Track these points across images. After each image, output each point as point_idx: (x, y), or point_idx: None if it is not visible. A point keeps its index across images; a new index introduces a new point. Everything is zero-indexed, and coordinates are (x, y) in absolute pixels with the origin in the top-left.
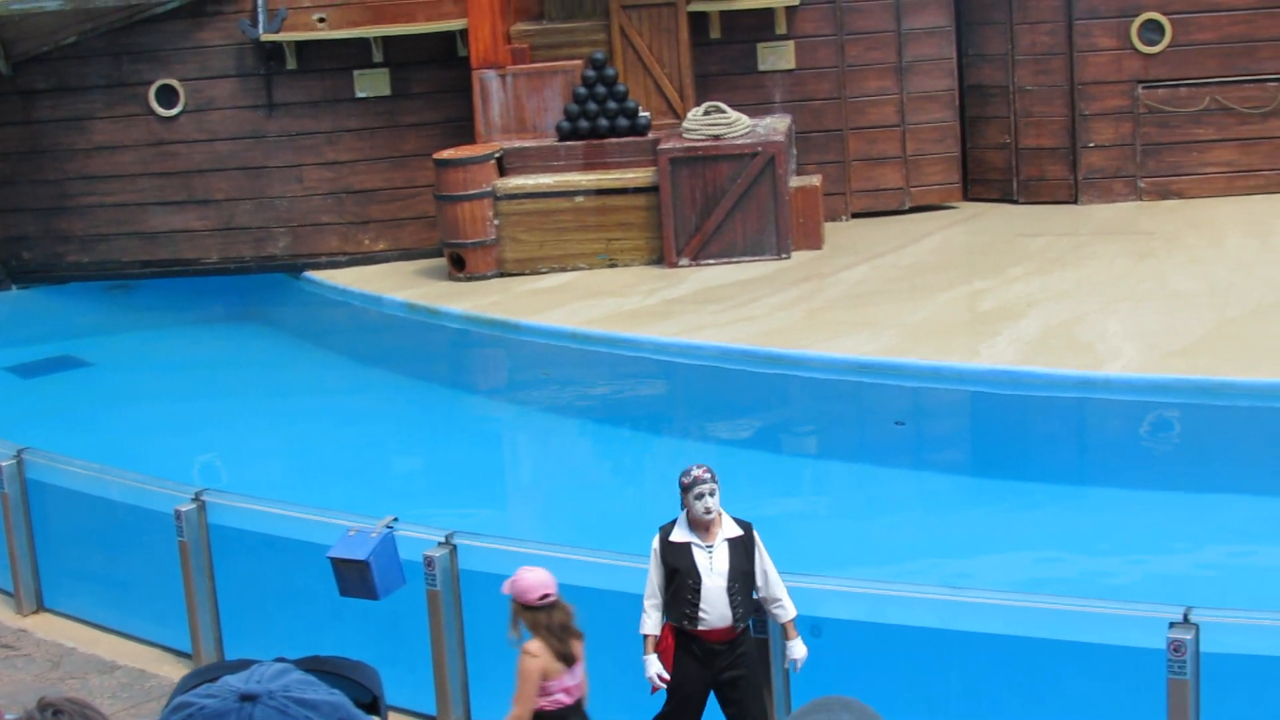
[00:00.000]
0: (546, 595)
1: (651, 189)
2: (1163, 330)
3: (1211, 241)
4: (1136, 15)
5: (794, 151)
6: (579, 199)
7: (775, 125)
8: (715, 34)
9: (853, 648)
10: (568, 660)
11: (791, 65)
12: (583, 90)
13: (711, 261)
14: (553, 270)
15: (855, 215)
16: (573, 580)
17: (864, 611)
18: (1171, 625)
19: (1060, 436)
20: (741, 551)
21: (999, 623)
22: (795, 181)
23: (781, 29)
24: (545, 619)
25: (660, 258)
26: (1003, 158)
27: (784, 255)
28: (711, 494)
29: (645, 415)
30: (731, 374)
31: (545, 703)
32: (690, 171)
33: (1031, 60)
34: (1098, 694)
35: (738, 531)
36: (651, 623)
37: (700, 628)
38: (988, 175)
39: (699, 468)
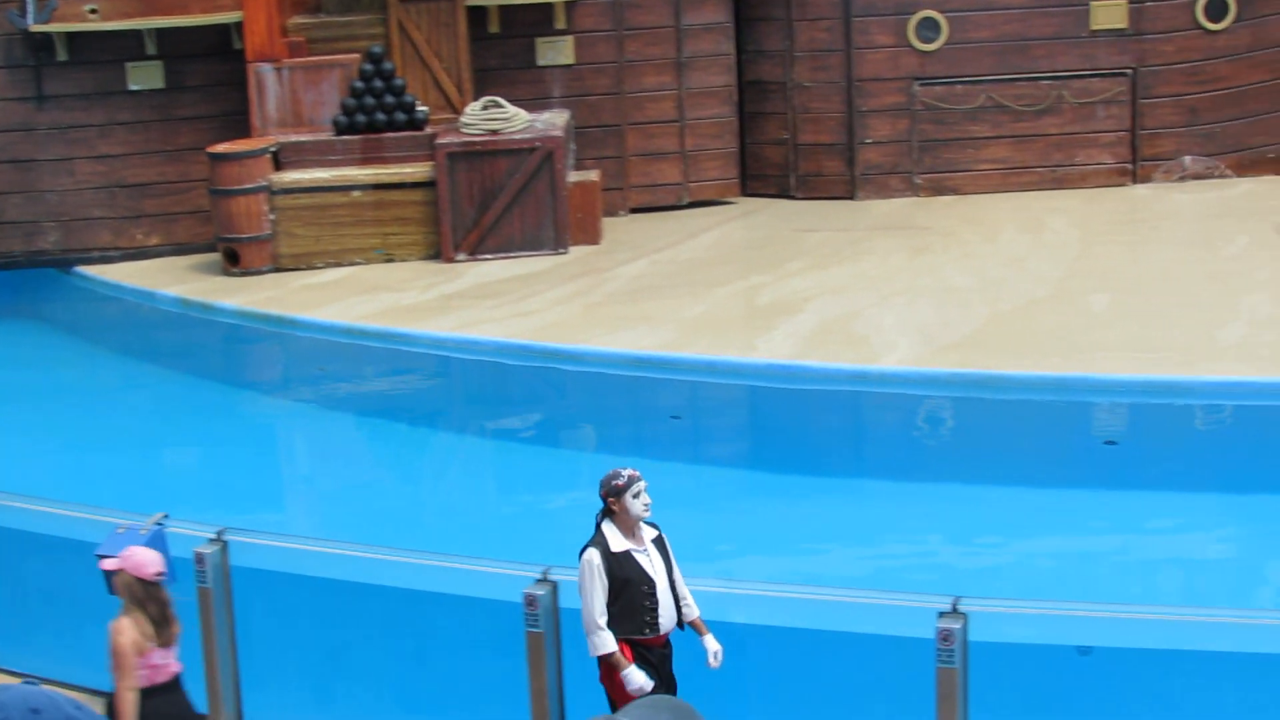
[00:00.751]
0: (161, 573)
1: (429, 184)
2: (937, 324)
3: (986, 237)
4: (913, 13)
5: (573, 147)
6: (356, 194)
7: (554, 120)
8: (494, 28)
9: None
10: (165, 640)
11: (570, 60)
12: (360, 84)
13: (489, 256)
14: (329, 265)
15: (634, 210)
16: (346, 576)
17: None
18: (940, 615)
19: (836, 429)
20: (663, 552)
21: (773, 614)
22: (573, 177)
23: (561, 24)
24: (156, 594)
25: (437, 253)
26: (781, 153)
27: (562, 250)
28: (646, 490)
29: (422, 411)
30: (509, 369)
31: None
32: (468, 166)
33: (809, 57)
34: (869, 683)
35: (654, 533)
36: (611, 639)
37: (658, 634)
38: (766, 171)
39: (626, 469)
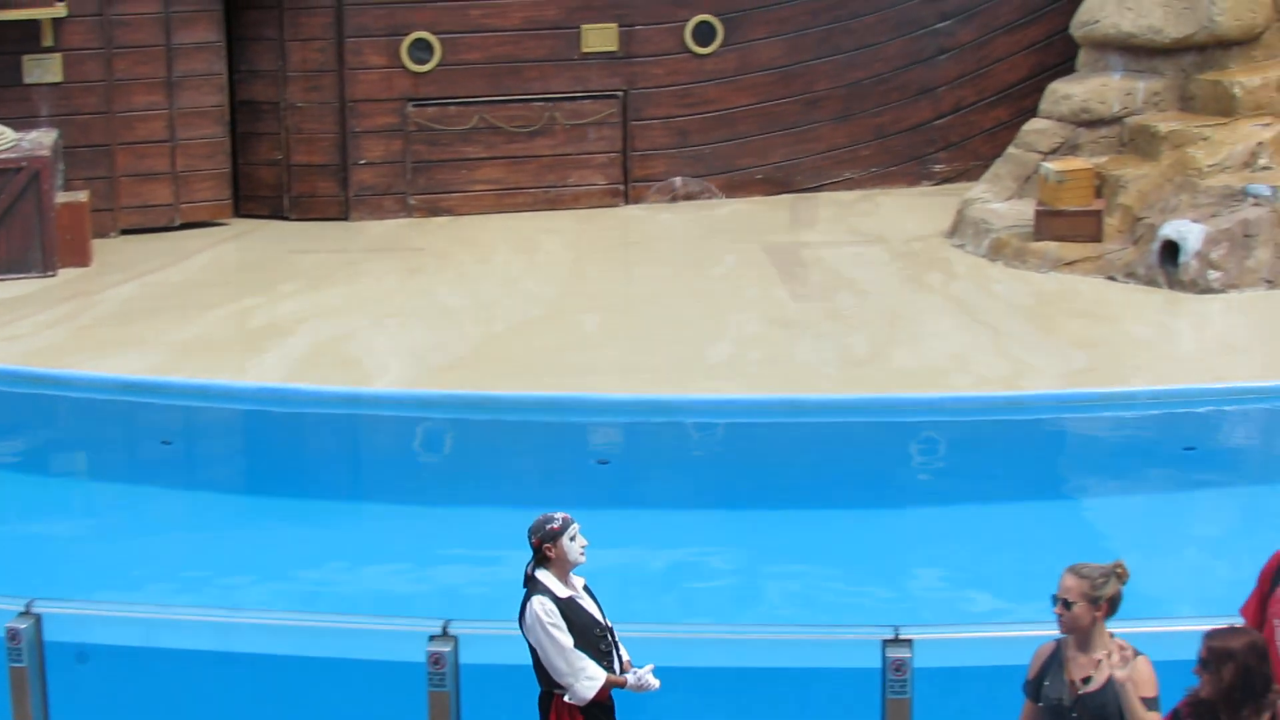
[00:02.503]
0: None
1: None
2: (430, 346)
3: (480, 258)
4: (406, 34)
5: (61, 167)
6: None
7: (41, 140)
8: None
9: (124, 674)
10: None
11: (59, 78)
12: None
13: None
14: None
15: (125, 232)
16: None
17: (135, 637)
18: (431, 638)
19: (329, 452)
20: (595, 597)
21: (269, 643)
22: (62, 197)
23: (48, 41)
24: None
25: None
26: (274, 174)
27: (50, 273)
28: (581, 531)
29: None
30: None
31: None
32: None
33: (302, 77)
34: (362, 711)
35: (581, 580)
36: (599, 669)
37: None
38: (259, 192)
39: (559, 514)
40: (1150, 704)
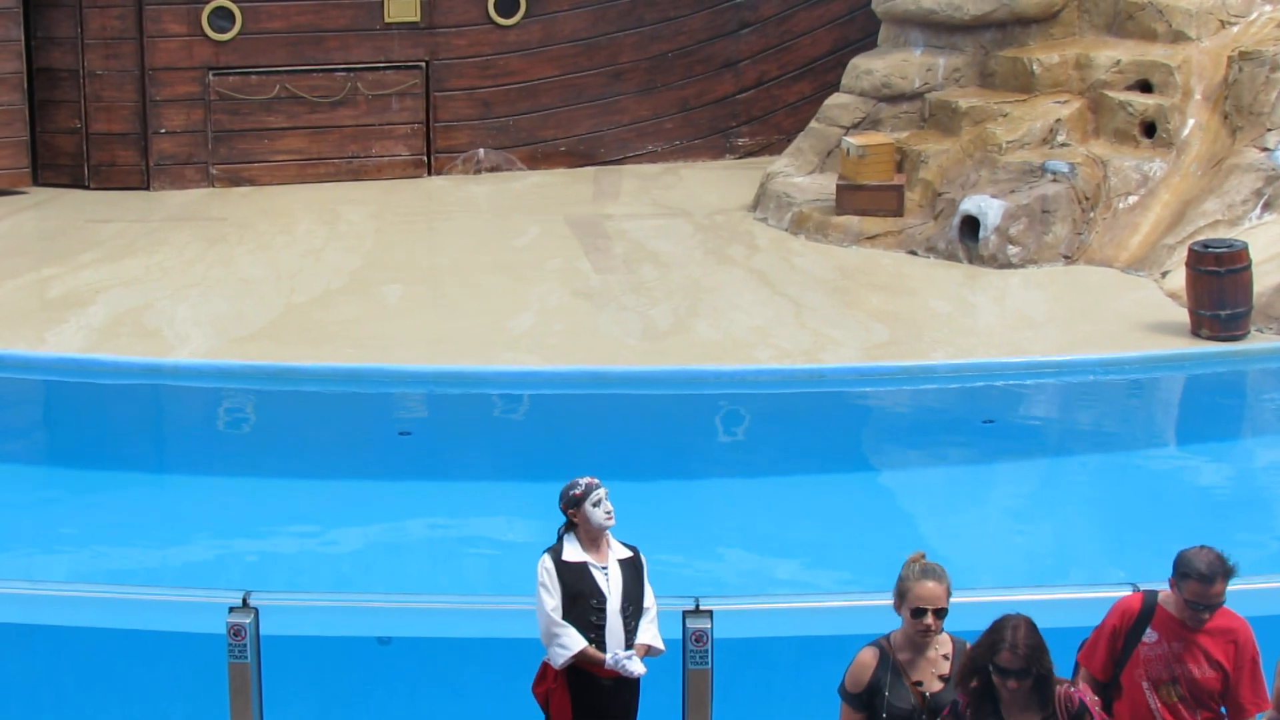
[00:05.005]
0: None
1: None
2: (232, 316)
3: (282, 228)
4: (207, 2)
5: None
6: None
7: None
8: None
9: None
10: None
11: None
12: None
13: None
14: None
15: None
16: None
17: None
18: (231, 609)
19: (131, 423)
20: (632, 574)
21: (77, 615)
22: None
23: None
24: None
25: None
26: (73, 142)
27: None
28: (608, 497)
29: None
30: None
31: None
32: None
33: (101, 45)
34: (164, 681)
35: (627, 553)
36: (577, 636)
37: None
38: (58, 160)
39: (584, 478)
40: None
